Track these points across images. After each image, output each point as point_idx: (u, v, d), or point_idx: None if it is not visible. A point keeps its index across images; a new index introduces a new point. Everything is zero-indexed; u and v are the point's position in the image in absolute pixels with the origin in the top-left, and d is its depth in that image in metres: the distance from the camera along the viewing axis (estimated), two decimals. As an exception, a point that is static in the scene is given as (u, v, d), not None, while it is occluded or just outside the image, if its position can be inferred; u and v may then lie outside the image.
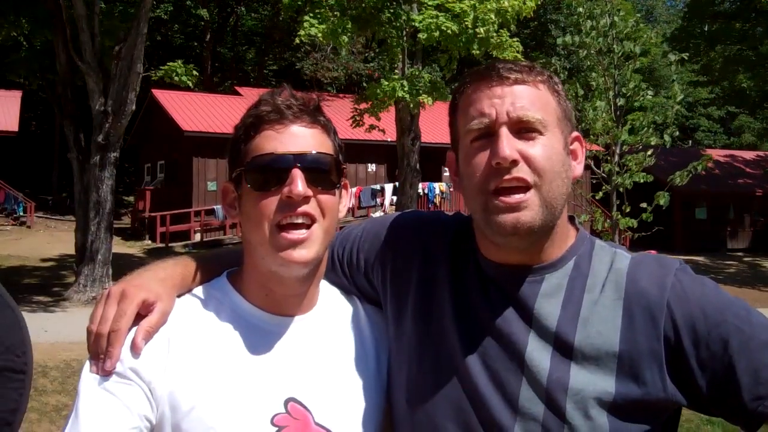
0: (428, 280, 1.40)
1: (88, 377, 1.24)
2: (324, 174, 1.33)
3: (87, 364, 1.26)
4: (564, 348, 1.25)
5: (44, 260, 21.73)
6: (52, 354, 9.26)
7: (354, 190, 27.34)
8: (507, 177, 1.24)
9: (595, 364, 1.23)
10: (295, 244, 1.30)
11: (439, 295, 1.38)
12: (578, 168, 1.36)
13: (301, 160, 1.30)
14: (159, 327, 1.29)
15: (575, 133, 1.35)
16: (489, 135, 1.27)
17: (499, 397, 1.26)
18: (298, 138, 1.32)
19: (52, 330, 11.43)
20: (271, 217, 1.30)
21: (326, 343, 1.40)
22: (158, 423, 1.26)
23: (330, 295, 1.49)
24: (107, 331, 1.25)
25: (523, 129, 1.26)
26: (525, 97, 1.27)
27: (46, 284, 17.93)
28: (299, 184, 1.29)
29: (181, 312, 1.33)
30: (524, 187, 1.25)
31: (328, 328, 1.41)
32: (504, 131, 1.25)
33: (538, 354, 1.26)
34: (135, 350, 1.25)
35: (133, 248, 25.47)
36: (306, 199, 1.30)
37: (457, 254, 1.41)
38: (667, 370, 1.21)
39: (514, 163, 1.24)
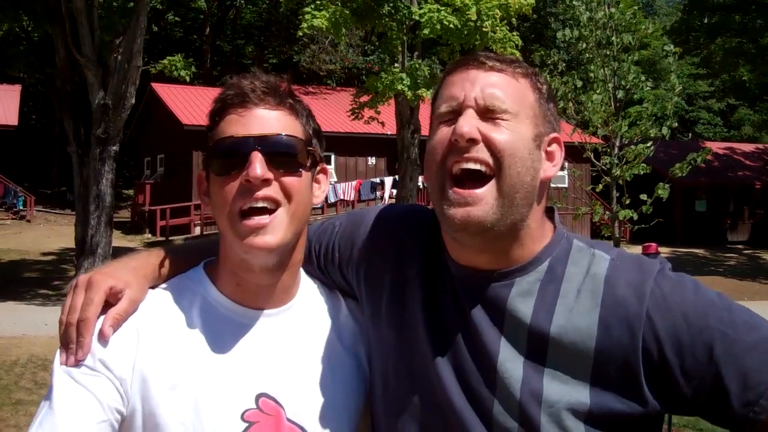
0: (401, 282, 1.35)
1: (59, 369, 1.23)
2: (289, 157, 1.28)
3: (58, 354, 1.26)
4: (537, 357, 1.19)
5: (44, 254, 21.74)
6: (51, 347, 9.23)
7: (354, 183, 27.34)
8: (465, 156, 1.20)
9: (570, 374, 1.17)
10: (257, 229, 1.25)
11: (411, 299, 1.32)
12: (552, 169, 1.28)
13: (261, 142, 1.26)
14: (128, 315, 1.26)
15: (554, 135, 1.29)
16: (456, 117, 1.23)
17: (472, 412, 1.21)
18: (261, 120, 1.28)
19: (52, 324, 11.35)
20: (233, 202, 1.26)
21: (302, 337, 1.37)
22: (130, 415, 1.24)
23: (310, 289, 1.45)
24: (76, 321, 1.24)
25: (490, 115, 1.22)
26: (497, 84, 1.23)
27: (47, 278, 17.96)
28: (257, 167, 1.24)
29: (153, 303, 1.31)
30: (481, 177, 1.20)
31: (305, 323, 1.38)
32: (469, 112, 1.21)
33: (511, 364, 1.20)
34: (103, 339, 1.23)
35: (134, 242, 25.48)
36: (267, 182, 1.25)
37: (430, 254, 1.35)
38: (646, 382, 1.16)
39: (473, 141, 1.19)
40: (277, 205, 1.26)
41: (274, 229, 1.26)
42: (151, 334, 1.27)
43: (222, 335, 1.30)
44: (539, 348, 1.19)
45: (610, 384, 1.16)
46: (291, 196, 1.28)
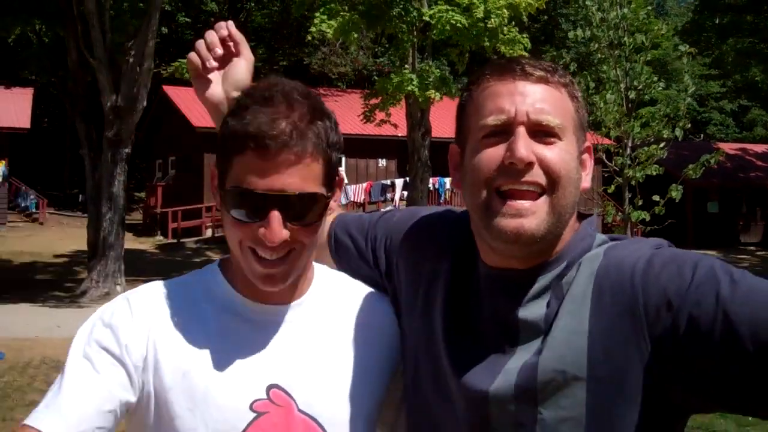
0: (433, 278, 1.36)
1: (77, 352, 1.26)
2: (307, 212, 1.24)
3: (78, 335, 1.29)
4: (536, 354, 1.19)
5: (57, 256, 21.85)
6: (64, 349, 9.19)
7: (364, 185, 27.35)
8: (520, 179, 1.17)
9: (564, 387, 1.16)
10: (268, 277, 1.26)
11: (438, 294, 1.34)
12: (587, 179, 1.28)
13: (281, 202, 1.21)
14: None
15: (587, 143, 1.28)
16: (504, 133, 1.19)
17: (475, 409, 1.22)
18: (282, 175, 1.20)
19: (65, 326, 11.50)
20: (247, 244, 1.25)
21: (315, 331, 1.36)
22: (144, 404, 1.27)
23: (325, 283, 1.44)
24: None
25: (541, 132, 1.19)
26: (547, 99, 1.20)
27: (59, 280, 18.05)
28: (275, 231, 1.21)
29: (166, 295, 1.33)
30: (535, 192, 1.18)
31: (319, 317, 1.38)
32: (521, 131, 1.18)
33: (514, 363, 1.20)
34: (123, 326, 1.27)
35: (145, 244, 25.57)
36: (283, 242, 1.23)
37: (463, 252, 1.34)
38: (653, 358, 1.11)
39: (530, 165, 1.17)
40: (291, 249, 1.26)
41: (287, 275, 1.28)
42: (164, 324, 1.29)
43: (234, 328, 1.31)
44: (540, 345, 1.19)
45: (609, 400, 1.14)
46: (305, 245, 1.27)
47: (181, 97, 28.46)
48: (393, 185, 27.56)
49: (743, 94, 42.01)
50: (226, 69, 1.51)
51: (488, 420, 1.21)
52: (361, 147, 27.90)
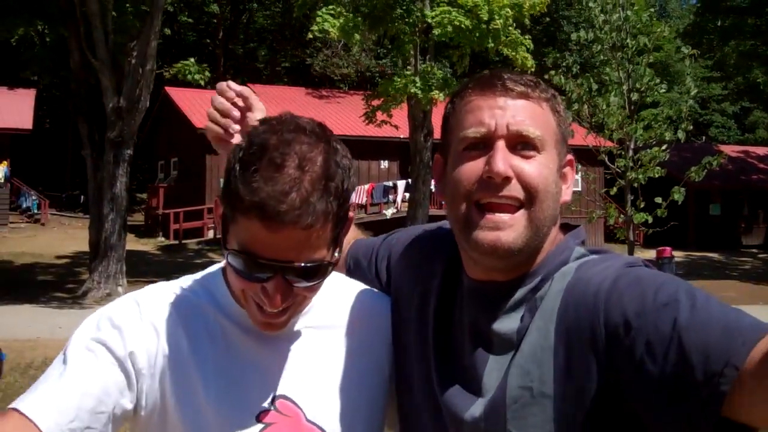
0: (424, 293, 1.37)
1: (81, 343, 1.24)
2: (311, 277, 1.21)
3: (82, 327, 1.27)
4: (509, 367, 1.19)
5: (58, 257, 21.86)
6: (67, 350, 9.29)
7: (366, 186, 27.34)
8: (498, 193, 1.18)
9: (532, 404, 1.16)
10: (269, 324, 1.25)
11: (428, 309, 1.34)
12: (567, 192, 1.28)
13: (285, 270, 1.18)
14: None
15: (569, 157, 1.29)
16: (484, 146, 1.20)
17: (457, 422, 1.23)
18: (289, 248, 1.16)
19: (66, 326, 11.50)
20: (248, 295, 1.23)
21: (319, 340, 1.36)
22: (147, 410, 1.25)
23: (328, 293, 1.42)
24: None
25: (520, 144, 1.20)
26: (527, 112, 1.21)
27: (61, 281, 18.05)
28: (275, 301, 1.19)
29: (174, 301, 1.31)
30: (513, 206, 1.19)
31: (322, 326, 1.37)
32: (501, 144, 1.19)
33: (489, 377, 1.20)
34: (129, 329, 1.25)
35: (147, 245, 25.58)
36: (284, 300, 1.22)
37: (451, 267, 1.35)
38: (607, 375, 1.10)
39: (507, 180, 1.18)
40: (292, 308, 1.26)
41: (287, 321, 1.28)
42: (172, 332, 1.28)
43: (239, 338, 1.30)
44: (510, 361, 1.19)
45: (570, 398, 1.13)
46: (307, 298, 1.27)
47: (183, 99, 28.48)
48: (395, 187, 27.55)
49: (745, 96, 41.96)
50: (242, 126, 1.49)
51: None
52: (363, 149, 27.89)
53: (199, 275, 1.37)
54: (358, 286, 1.50)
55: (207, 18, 39.63)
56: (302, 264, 1.18)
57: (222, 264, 1.36)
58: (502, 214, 1.19)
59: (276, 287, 1.18)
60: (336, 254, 1.24)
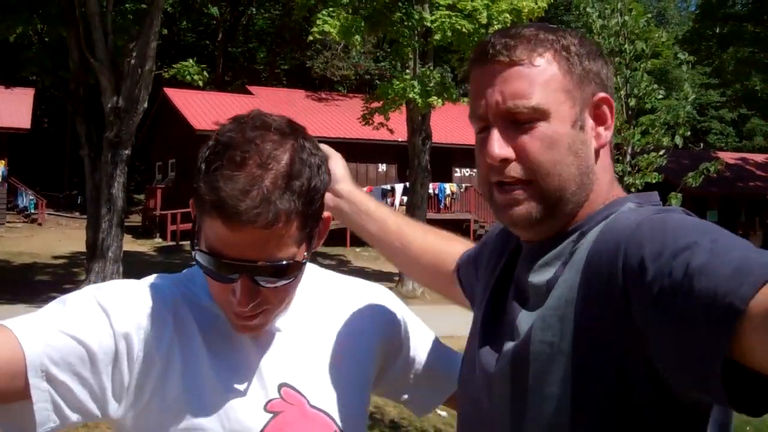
0: (495, 264, 1.38)
1: (86, 297, 1.22)
2: (279, 277, 1.20)
3: (91, 288, 1.25)
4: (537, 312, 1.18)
5: (55, 257, 21.83)
6: (62, 350, 9.29)
7: (364, 189, 27.24)
8: (502, 175, 1.18)
9: (552, 362, 1.12)
10: (245, 326, 1.25)
11: (494, 274, 1.36)
12: (606, 133, 1.21)
13: (250, 269, 1.17)
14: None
15: (600, 95, 1.20)
16: (486, 128, 1.20)
17: (487, 369, 1.23)
18: (252, 246, 1.15)
19: (62, 326, 11.49)
20: (221, 300, 1.23)
21: (315, 326, 1.37)
22: (154, 410, 1.22)
23: (322, 279, 1.46)
24: None
25: (518, 119, 1.16)
26: (517, 81, 1.15)
27: (58, 281, 18.03)
28: (242, 302, 1.19)
29: (183, 296, 1.30)
30: (521, 180, 1.17)
31: (310, 311, 1.38)
32: (496, 126, 1.17)
33: (520, 333, 1.18)
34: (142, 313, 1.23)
35: (144, 246, 25.56)
36: (254, 300, 1.21)
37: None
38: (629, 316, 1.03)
39: (505, 161, 1.17)
40: (267, 309, 1.25)
41: (263, 323, 1.27)
42: (176, 323, 1.26)
43: (234, 335, 1.30)
44: (538, 313, 1.17)
45: (588, 355, 1.08)
46: (281, 299, 1.25)
47: (182, 100, 28.48)
48: (393, 190, 27.56)
49: (743, 103, 42.03)
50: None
51: (491, 395, 1.21)
52: (361, 151, 27.91)
53: (193, 270, 1.36)
54: (352, 279, 1.52)
55: (206, 20, 39.65)
56: (267, 263, 1.17)
57: None
58: (513, 192, 1.18)
59: (242, 287, 1.18)
60: (306, 254, 1.22)
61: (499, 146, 1.16)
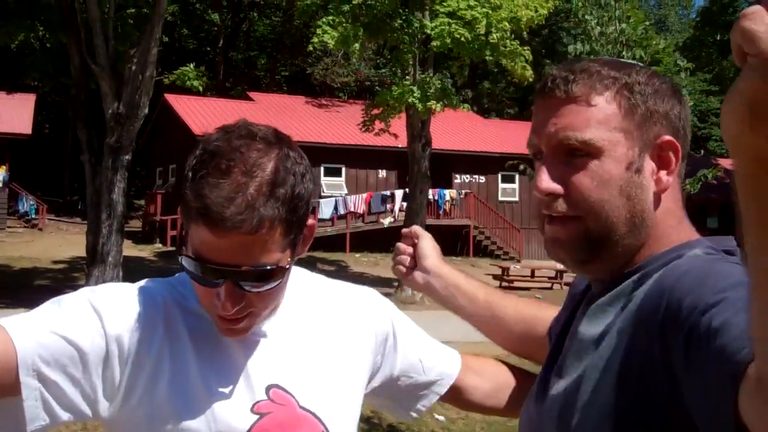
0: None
1: (80, 299, 1.24)
2: (263, 282, 1.23)
3: (85, 290, 1.27)
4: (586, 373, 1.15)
5: (55, 262, 21.84)
6: (62, 355, 9.30)
7: (364, 195, 27.37)
8: (550, 209, 1.16)
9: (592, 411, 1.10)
10: (230, 330, 1.27)
11: (567, 313, 1.36)
12: (666, 179, 1.15)
13: (234, 274, 1.19)
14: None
15: (665, 138, 1.15)
16: (540, 158, 1.17)
17: (539, 414, 1.24)
18: (236, 252, 1.18)
19: (62, 331, 11.49)
20: (207, 304, 1.26)
21: (305, 328, 1.39)
22: (129, 406, 1.24)
23: (314, 283, 1.47)
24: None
25: (571, 153, 1.13)
26: (572, 116, 1.13)
27: (58, 286, 18.03)
28: (227, 306, 1.21)
29: (172, 301, 1.32)
30: (569, 217, 1.14)
31: (299, 314, 1.40)
32: (546, 159, 1.16)
33: (570, 377, 1.17)
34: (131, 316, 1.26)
35: (144, 251, 25.57)
36: (238, 305, 1.23)
37: None
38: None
39: (553, 196, 1.14)
40: (252, 313, 1.27)
41: (249, 327, 1.29)
42: (166, 326, 1.28)
43: (222, 339, 1.31)
44: (589, 359, 1.14)
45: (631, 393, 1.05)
46: (266, 303, 1.27)
47: (183, 106, 28.52)
48: (393, 196, 27.58)
49: (743, 110, 42.07)
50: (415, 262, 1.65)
51: None
52: (361, 157, 27.94)
53: (183, 274, 1.37)
54: (341, 283, 1.53)
55: (207, 26, 39.72)
56: (251, 268, 1.19)
57: None
58: (559, 228, 1.16)
59: (226, 291, 1.20)
60: (290, 259, 1.25)
61: (547, 180, 1.14)
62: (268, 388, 1.30)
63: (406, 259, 1.65)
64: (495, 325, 1.61)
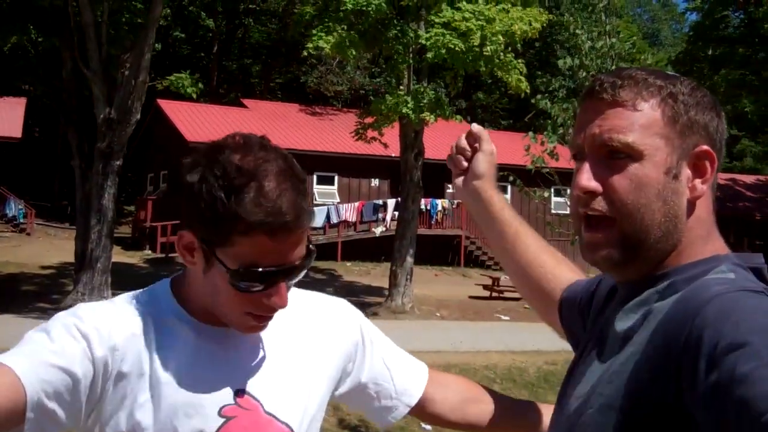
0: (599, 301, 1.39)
1: (65, 323, 1.30)
2: (302, 270, 1.34)
3: (68, 314, 1.33)
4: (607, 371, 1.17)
5: (43, 267, 21.72)
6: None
7: (356, 204, 27.37)
8: (589, 206, 1.18)
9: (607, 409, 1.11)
10: (258, 327, 1.36)
11: (591, 311, 1.38)
12: (701, 187, 1.18)
13: (290, 274, 1.30)
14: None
15: (703, 148, 1.18)
16: (581, 157, 1.20)
17: (562, 414, 1.24)
18: (293, 251, 1.29)
19: (49, 337, 11.41)
20: (248, 310, 1.32)
21: (272, 336, 1.43)
22: (115, 411, 1.31)
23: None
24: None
25: (610, 155, 1.16)
26: (616, 119, 1.16)
27: (45, 291, 17.93)
28: (286, 299, 1.31)
29: (137, 310, 1.37)
30: (607, 217, 1.16)
31: (277, 321, 1.43)
32: (589, 157, 1.18)
33: (589, 381, 1.19)
34: (109, 329, 1.31)
35: (134, 258, 25.47)
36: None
37: None
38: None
39: (591, 194, 1.17)
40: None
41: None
42: (141, 329, 1.35)
43: (194, 340, 1.37)
44: (607, 366, 1.16)
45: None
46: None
47: (175, 112, 28.48)
48: (385, 205, 27.59)
49: (733, 124, 42.34)
50: (470, 163, 1.69)
51: None
52: (353, 166, 27.96)
53: (155, 288, 1.46)
54: (312, 293, 1.59)
55: (202, 32, 39.71)
56: (298, 262, 1.31)
57: (159, 283, 1.46)
58: (595, 235, 1.18)
59: (283, 290, 1.30)
60: (314, 247, 1.36)
61: (587, 178, 1.17)
62: (236, 393, 1.36)
63: (459, 159, 1.71)
64: (514, 261, 1.65)
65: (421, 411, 1.62)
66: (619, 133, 1.15)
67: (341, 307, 1.58)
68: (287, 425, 1.38)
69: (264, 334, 1.42)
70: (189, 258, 1.33)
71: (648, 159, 1.15)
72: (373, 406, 1.61)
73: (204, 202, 1.24)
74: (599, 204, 1.17)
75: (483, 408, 1.61)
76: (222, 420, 1.33)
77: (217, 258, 1.27)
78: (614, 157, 1.16)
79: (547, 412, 1.62)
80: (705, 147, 1.18)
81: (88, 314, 1.33)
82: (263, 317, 1.33)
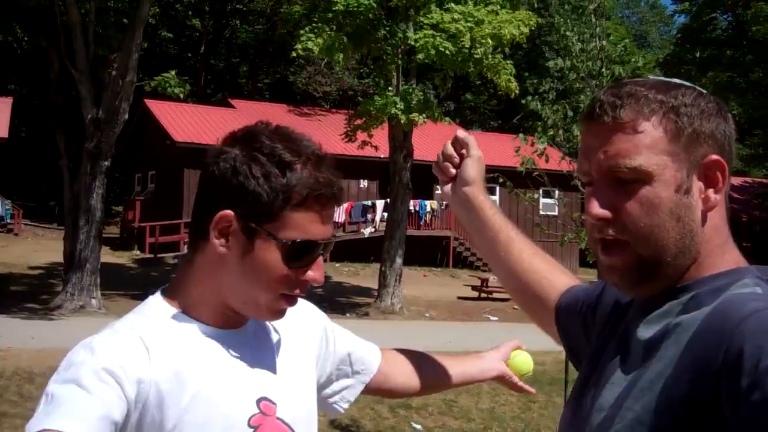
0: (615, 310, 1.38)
1: (90, 366, 1.24)
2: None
3: (89, 351, 1.26)
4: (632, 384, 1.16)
5: (32, 268, 21.62)
6: (38, 360, 9.20)
7: (345, 205, 27.36)
8: (603, 232, 1.17)
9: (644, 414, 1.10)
10: (284, 311, 1.37)
11: (607, 320, 1.37)
12: (714, 197, 1.17)
13: (327, 247, 1.35)
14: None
15: (712, 157, 1.16)
16: (591, 184, 1.19)
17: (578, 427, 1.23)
18: (331, 221, 1.37)
19: (38, 337, 11.36)
20: (282, 290, 1.33)
21: (273, 339, 1.46)
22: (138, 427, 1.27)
23: None
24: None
25: (619, 179, 1.15)
26: (621, 143, 1.14)
27: (34, 292, 17.83)
28: (323, 271, 1.35)
29: (154, 326, 1.34)
30: (622, 241, 1.15)
31: (281, 325, 1.46)
32: (597, 184, 1.17)
33: (611, 392, 1.18)
34: (122, 352, 1.27)
35: (122, 258, 25.38)
36: None
37: None
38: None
39: (604, 221, 1.16)
40: None
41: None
42: (161, 351, 1.30)
43: (215, 353, 1.34)
44: (634, 379, 1.15)
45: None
46: None
47: (163, 112, 28.40)
48: (374, 206, 27.60)
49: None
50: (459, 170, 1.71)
51: None
52: (343, 168, 27.16)
53: (139, 310, 1.39)
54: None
55: (189, 32, 39.59)
56: (333, 235, 1.37)
57: (151, 299, 1.40)
58: (612, 258, 1.17)
59: (322, 264, 1.35)
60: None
61: (597, 205, 1.16)
62: (259, 401, 1.35)
63: (446, 166, 1.71)
64: (506, 268, 1.65)
65: (379, 387, 1.69)
66: (625, 157, 1.14)
67: (308, 306, 1.61)
68: (291, 429, 1.39)
69: (264, 335, 1.43)
70: (223, 243, 1.30)
71: (657, 179, 1.14)
72: (333, 390, 1.64)
73: (254, 180, 1.27)
74: (613, 229, 1.16)
75: (428, 372, 1.75)
76: (250, 430, 1.32)
77: (269, 233, 1.28)
78: (623, 183, 1.15)
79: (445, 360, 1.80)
80: (714, 157, 1.16)
81: (107, 351, 1.27)
82: (294, 298, 1.35)
